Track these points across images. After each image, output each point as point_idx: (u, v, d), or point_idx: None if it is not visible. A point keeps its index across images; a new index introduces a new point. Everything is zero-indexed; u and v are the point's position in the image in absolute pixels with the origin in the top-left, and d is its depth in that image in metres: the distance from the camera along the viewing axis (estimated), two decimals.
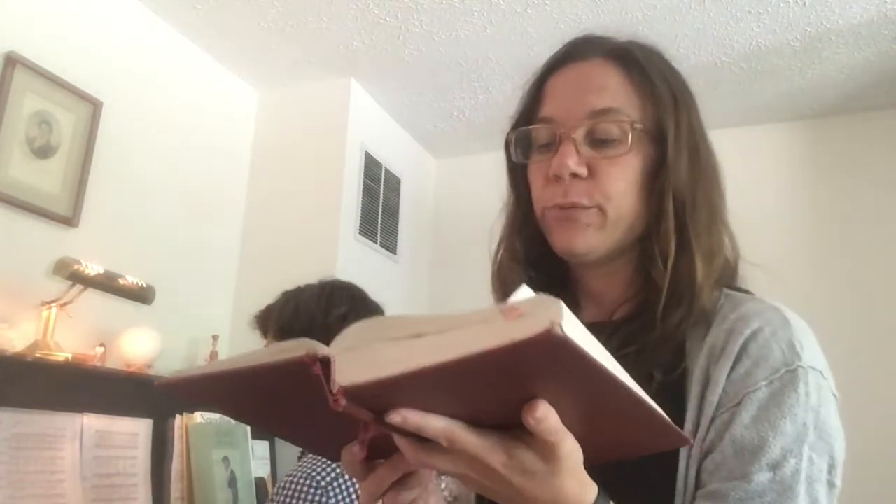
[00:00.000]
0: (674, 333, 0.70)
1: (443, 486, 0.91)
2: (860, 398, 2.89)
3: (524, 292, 0.46)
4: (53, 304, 2.01)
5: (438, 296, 3.64)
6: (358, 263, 3.06)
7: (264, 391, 0.52)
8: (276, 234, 3.01)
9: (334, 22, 2.65)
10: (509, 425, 0.47)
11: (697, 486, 0.64)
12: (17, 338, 1.91)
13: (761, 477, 0.61)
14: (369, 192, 3.18)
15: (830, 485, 0.64)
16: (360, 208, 3.09)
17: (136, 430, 1.79)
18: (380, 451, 0.55)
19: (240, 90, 3.13)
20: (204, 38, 2.79)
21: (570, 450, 0.47)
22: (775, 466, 0.61)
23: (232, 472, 1.96)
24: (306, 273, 2.81)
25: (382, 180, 3.28)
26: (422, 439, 0.47)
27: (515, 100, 0.86)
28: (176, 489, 1.83)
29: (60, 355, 1.89)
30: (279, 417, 0.59)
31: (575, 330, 0.40)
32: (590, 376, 0.43)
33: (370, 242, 3.17)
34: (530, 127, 0.77)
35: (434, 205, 3.82)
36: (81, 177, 2.28)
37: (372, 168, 3.20)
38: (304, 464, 1.32)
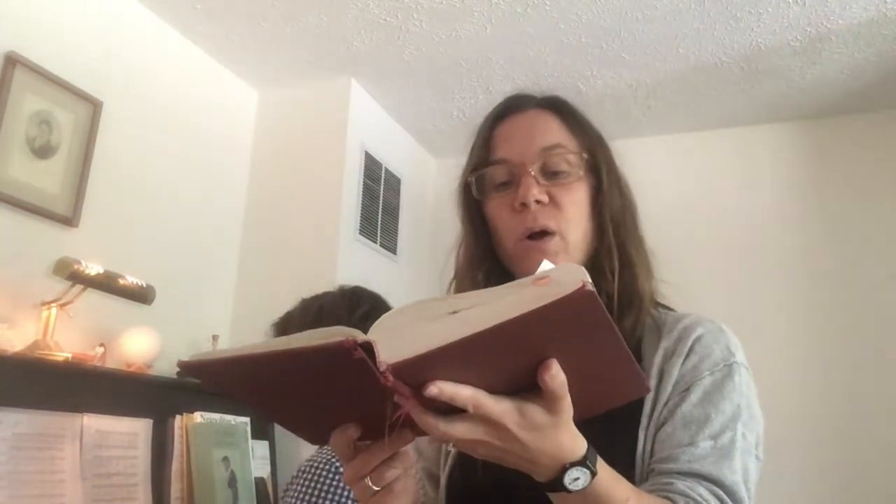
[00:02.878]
0: (630, 335, 0.83)
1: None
2: (860, 394, 2.89)
3: (546, 265, 0.53)
4: (53, 304, 2.01)
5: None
6: (358, 263, 3.06)
7: (287, 375, 0.56)
8: (276, 234, 3.01)
9: (334, 22, 2.65)
10: (516, 390, 0.54)
11: (652, 455, 0.77)
12: (17, 338, 1.91)
13: (705, 444, 0.74)
14: (369, 192, 3.18)
15: (757, 458, 0.78)
16: (360, 208, 3.09)
17: (136, 430, 1.79)
18: (370, 433, 0.61)
19: (240, 90, 3.13)
20: (204, 38, 2.79)
21: (569, 402, 0.55)
22: (715, 437, 0.75)
23: (232, 472, 1.96)
24: (306, 273, 2.83)
25: (382, 180, 3.28)
26: (441, 411, 0.53)
27: None
28: (176, 489, 1.83)
29: (60, 355, 1.89)
30: (288, 401, 0.63)
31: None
32: (601, 330, 0.51)
33: (370, 242, 3.17)
34: (488, 168, 0.89)
35: (434, 205, 3.82)
36: (81, 177, 2.27)
37: (372, 168, 3.20)
38: (323, 451, 1.37)
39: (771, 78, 2.92)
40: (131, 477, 1.73)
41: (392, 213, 3.38)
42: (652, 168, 3.40)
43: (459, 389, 0.51)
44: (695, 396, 0.77)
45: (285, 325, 1.66)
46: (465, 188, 0.91)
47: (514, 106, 0.92)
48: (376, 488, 0.63)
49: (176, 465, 1.85)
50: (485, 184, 0.89)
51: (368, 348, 0.49)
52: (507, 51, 2.80)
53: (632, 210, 0.92)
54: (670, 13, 2.52)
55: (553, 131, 0.88)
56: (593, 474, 0.58)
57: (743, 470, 0.74)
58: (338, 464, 1.32)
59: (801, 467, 2.90)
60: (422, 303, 0.51)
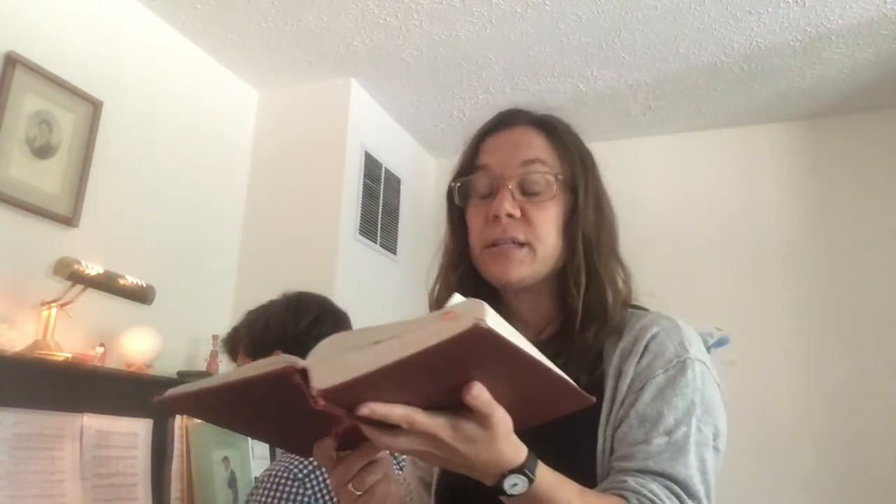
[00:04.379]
0: (590, 346, 0.87)
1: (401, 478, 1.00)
2: (863, 394, 2.89)
3: (456, 298, 0.58)
4: (53, 304, 2.01)
5: None
6: (358, 263, 3.06)
7: (250, 401, 0.62)
8: (276, 234, 3.01)
9: (334, 22, 2.65)
10: (452, 406, 0.58)
11: (612, 453, 0.80)
12: (17, 338, 1.91)
13: (659, 440, 0.77)
14: (369, 192, 3.18)
15: (716, 449, 0.80)
16: (360, 208, 3.09)
17: (136, 430, 1.79)
18: (348, 444, 0.67)
19: (240, 90, 3.13)
20: (204, 38, 2.79)
21: (502, 418, 0.59)
22: (670, 432, 0.78)
23: (232, 472, 1.96)
24: (306, 273, 2.83)
25: (382, 180, 3.28)
26: (385, 426, 0.58)
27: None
28: (176, 489, 1.82)
29: (60, 355, 1.89)
30: (262, 423, 0.70)
31: (497, 323, 0.51)
32: (511, 357, 0.54)
33: (370, 242, 3.17)
34: (471, 176, 0.93)
35: (434, 205, 3.82)
36: (81, 177, 2.28)
37: (372, 168, 3.20)
38: (282, 459, 1.37)
39: (771, 78, 2.92)
40: (131, 477, 1.73)
41: (392, 213, 3.38)
42: (652, 168, 3.41)
43: (391, 409, 0.56)
44: (648, 394, 0.80)
45: (234, 340, 1.67)
46: (449, 193, 0.96)
47: (504, 121, 0.96)
48: (358, 493, 0.70)
49: (176, 465, 1.85)
50: (467, 191, 0.94)
51: (305, 374, 0.54)
52: (507, 51, 2.80)
53: (608, 227, 0.94)
54: (670, 13, 2.52)
55: (535, 148, 0.92)
56: (531, 481, 0.63)
57: (699, 462, 0.77)
58: (296, 471, 1.32)
59: (804, 467, 2.90)
60: (347, 334, 0.58)
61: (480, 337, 0.50)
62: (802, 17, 2.51)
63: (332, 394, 0.54)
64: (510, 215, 0.88)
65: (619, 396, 0.82)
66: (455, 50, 2.81)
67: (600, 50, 2.77)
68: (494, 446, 0.61)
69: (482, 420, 0.59)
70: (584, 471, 0.70)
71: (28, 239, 2.11)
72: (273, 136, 3.17)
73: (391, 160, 3.38)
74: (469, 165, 0.95)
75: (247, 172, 3.15)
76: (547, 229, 0.89)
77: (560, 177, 0.91)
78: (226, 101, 3.04)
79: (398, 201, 3.44)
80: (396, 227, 3.41)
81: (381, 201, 3.27)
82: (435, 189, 3.85)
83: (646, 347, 0.84)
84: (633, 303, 0.94)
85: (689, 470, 0.76)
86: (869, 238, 3.03)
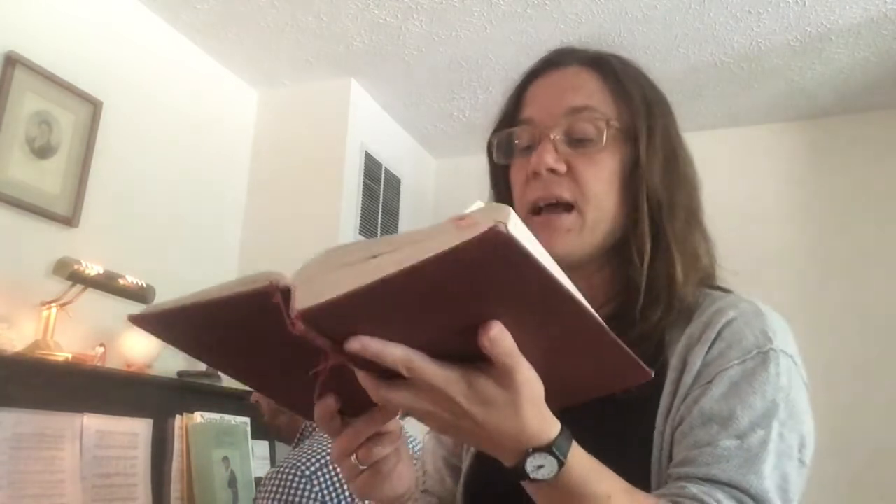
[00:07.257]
0: (652, 331, 0.72)
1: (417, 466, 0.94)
2: (858, 391, 2.89)
3: (477, 205, 0.45)
4: (53, 304, 2.01)
5: None
6: None
7: (230, 328, 0.51)
8: (276, 234, 3.01)
9: (334, 22, 2.65)
10: (468, 358, 0.46)
11: (671, 459, 0.65)
12: (17, 338, 1.91)
13: (727, 443, 0.62)
14: (369, 192, 3.18)
15: (801, 463, 0.65)
16: (360, 208, 3.09)
17: (136, 430, 1.79)
18: (356, 408, 0.55)
19: (240, 90, 3.13)
20: (204, 38, 2.79)
21: (528, 378, 0.47)
22: (742, 436, 0.62)
23: (232, 472, 1.96)
24: None
25: (382, 180, 3.28)
26: (385, 375, 0.47)
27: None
28: (176, 489, 1.83)
29: (60, 355, 1.89)
30: (242, 358, 0.57)
31: (521, 232, 0.40)
32: (538, 285, 0.42)
33: None
34: (511, 129, 0.80)
35: (434, 205, 3.82)
36: (81, 177, 2.27)
37: (372, 168, 3.20)
38: (291, 455, 1.35)
39: (771, 78, 2.92)
40: (131, 477, 1.73)
41: (392, 213, 3.38)
42: None
43: (388, 348, 0.44)
44: (717, 390, 0.65)
45: None
46: (488, 149, 0.83)
47: (553, 62, 0.82)
48: (362, 466, 0.59)
49: (176, 465, 1.85)
50: (509, 146, 0.79)
51: (287, 294, 0.44)
52: (507, 51, 2.80)
53: (686, 187, 0.79)
54: (670, 13, 2.51)
55: (586, 91, 0.77)
56: (560, 464, 0.50)
57: (780, 477, 0.62)
58: (303, 468, 1.30)
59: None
60: (343, 247, 0.45)
61: (496, 245, 0.38)
62: (802, 17, 2.51)
63: (313, 315, 0.42)
64: (553, 170, 0.73)
65: (682, 391, 0.67)
66: (455, 50, 2.81)
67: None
68: (517, 413, 0.48)
69: (502, 375, 0.46)
70: (637, 481, 0.58)
71: (28, 239, 2.11)
72: (273, 136, 3.17)
73: (391, 160, 3.38)
74: (510, 117, 0.81)
75: (247, 172, 3.14)
76: (598, 187, 0.73)
77: (614, 123, 0.75)
78: (226, 101, 3.04)
79: (398, 201, 3.44)
80: (396, 227, 3.41)
81: (381, 201, 3.27)
82: (435, 189, 3.86)
83: (718, 335, 0.68)
84: (714, 282, 0.80)
85: (764, 482, 0.60)
86: (869, 238, 3.03)
